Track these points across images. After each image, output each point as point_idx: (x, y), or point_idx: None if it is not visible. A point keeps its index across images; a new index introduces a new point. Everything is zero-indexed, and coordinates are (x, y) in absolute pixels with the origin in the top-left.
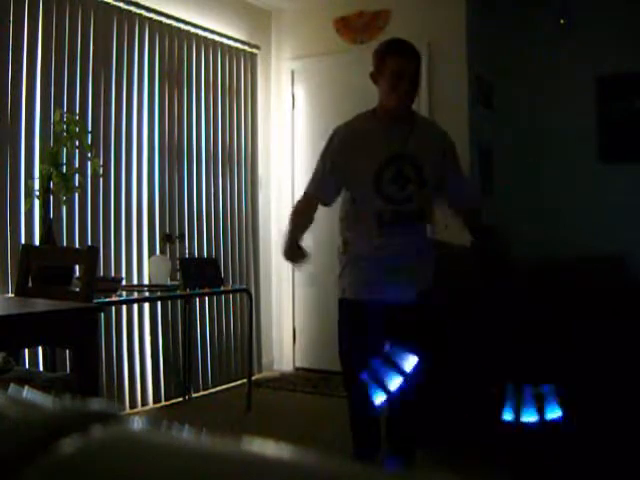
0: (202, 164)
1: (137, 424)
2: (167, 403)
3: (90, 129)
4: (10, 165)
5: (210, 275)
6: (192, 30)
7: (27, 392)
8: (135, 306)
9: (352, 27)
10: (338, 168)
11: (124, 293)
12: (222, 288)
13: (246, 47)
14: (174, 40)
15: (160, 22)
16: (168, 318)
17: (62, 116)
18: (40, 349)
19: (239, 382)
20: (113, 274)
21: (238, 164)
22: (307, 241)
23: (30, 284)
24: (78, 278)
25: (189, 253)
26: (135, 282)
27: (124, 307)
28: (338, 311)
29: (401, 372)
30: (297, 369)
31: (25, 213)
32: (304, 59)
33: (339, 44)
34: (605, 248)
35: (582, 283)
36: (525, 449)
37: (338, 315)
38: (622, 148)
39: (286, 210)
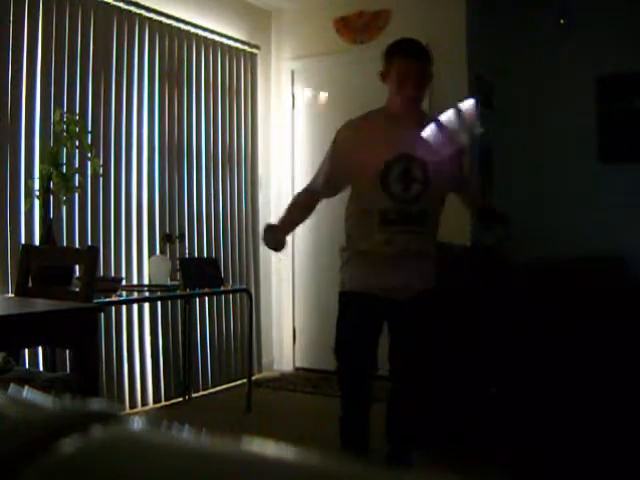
0: (202, 164)
1: (137, 424)
2: (167, 403)
3: (90, 129)
4: (10, 165)
5: (210, 275)
6: (192, 30)
7: (27, 392)
8: (135, 306)
9: (352, 27)
10: (344, 165)
11: (124, 293)
12: (222, 288)
13: (246, 47)
14: (174, 40)
15: (160, 22)
16: (168, 318)
17: (62, 116)
18: (40, 349)
19: (239, 382)
20: (113, 274)
21: (238, 164)
22: (307, 241)
23: (30, 284)
24: (78, 278)
25: (189, 253)
26: (135, 282)
27: (124, 307)
28: (338, 305)
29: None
30: (297, 369)
31: (25, 213)
32: (304, 59)
33: (339, 44)
34: (605, 248)
35: (582, 283)
36: (525, 449)
37: (338, 309)
38: (622, 148)
39: None
